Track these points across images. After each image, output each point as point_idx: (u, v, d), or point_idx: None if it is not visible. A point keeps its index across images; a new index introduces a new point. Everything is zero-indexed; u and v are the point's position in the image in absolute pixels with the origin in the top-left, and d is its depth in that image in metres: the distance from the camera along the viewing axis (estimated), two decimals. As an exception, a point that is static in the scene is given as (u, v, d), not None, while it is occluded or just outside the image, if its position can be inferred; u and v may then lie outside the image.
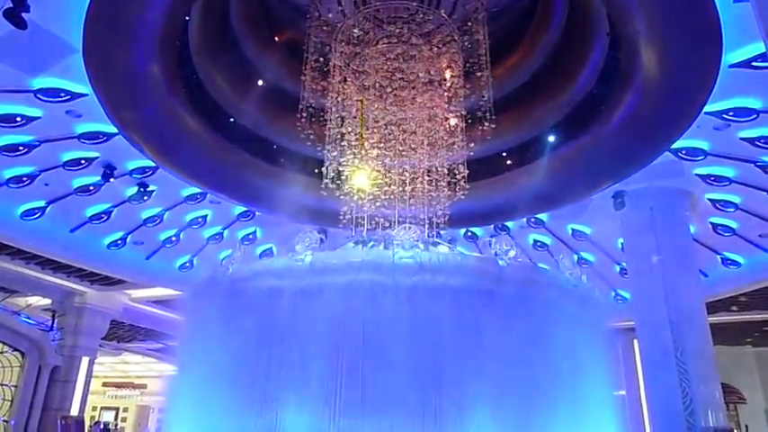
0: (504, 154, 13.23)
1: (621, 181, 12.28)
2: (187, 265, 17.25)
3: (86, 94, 10.05)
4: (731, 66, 8.83)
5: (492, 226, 15.65)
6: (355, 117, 10.90)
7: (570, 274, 8.45)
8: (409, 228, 8.04)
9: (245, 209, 15.24)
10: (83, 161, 12.21)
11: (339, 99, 10.67)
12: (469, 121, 10.96)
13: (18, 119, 10.61)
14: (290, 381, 6.96)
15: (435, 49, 10.71)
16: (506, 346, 7.08)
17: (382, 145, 10.87)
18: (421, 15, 10.36)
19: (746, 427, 22.72)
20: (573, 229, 15.54)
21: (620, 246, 14.91)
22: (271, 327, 7.47)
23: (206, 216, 15.41)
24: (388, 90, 10.76)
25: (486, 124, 10.23)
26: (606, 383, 8.34)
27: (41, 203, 13.50)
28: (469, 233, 16.17)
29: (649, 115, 10.14)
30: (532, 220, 15.20)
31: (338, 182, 10.60)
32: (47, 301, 20.59)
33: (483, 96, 10.41)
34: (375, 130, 10.89)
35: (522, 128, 12.61)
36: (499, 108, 10.74)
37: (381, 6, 10.28)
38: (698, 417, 10.85)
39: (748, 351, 24.40)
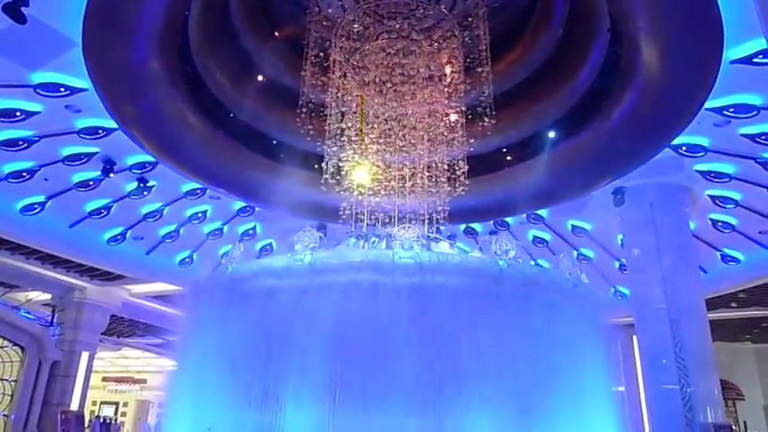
0: (505, 150, 13.20)
1: (621, 177, 12.28)
2: (187, 260, 17.26)
3: (86, 89, 10.03)
4: (732, 62, 8.80)
5: (492, 222, 15.67)
6: (355, 112, 10.88)
7: (570, 274, 8.45)
8: (409, 228, 8.05)
9: (244, 204, 15.23)
10: (83, 156, 12.21)
11: (339, 94, 10.64)
12: (470, 116, 10.95)
13: (18, 114, 10.60)
14: (290, 381, 6.97)
15: (435, 44, 10.69)
16: (506, 346, 7.10)
17: (382, 140, 10.86)
18: (421, 10, 10.32)
19: (745, 423, 22.74)
20: (573, 225, 15.54)
21: (619, 242, 14.92)
22: (270, 327, 7.47)
23: (206, 211, 15.41)
24: (388, 85, 10.74)
25: (487, 120, 10.22)
26: (605, 383, 8.35)
27: (41, 198, 13.50)
28: (469, 229, 16.17)
29: (650, 111, 10.12)
30: (532, 216, 15.19)
31: (338, 177, 10.59)
32: (47, 296, 20.62)
33: (483, 92, 10.39)
34: (375, 126, 10.88)
35: (523, 124, 12.58)
36: (499, 104, 10.73)
37: (381, 1, 10.25)
38: (696, 413, 10.87)
39: (747, 347, 24.44)
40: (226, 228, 16.25)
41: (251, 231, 16.58)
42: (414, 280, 7.22)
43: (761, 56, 8.58)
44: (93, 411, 32.55)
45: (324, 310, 7.19)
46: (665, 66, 9.16)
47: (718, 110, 10.02)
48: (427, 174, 10.87)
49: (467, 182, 10.64)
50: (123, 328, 24.94)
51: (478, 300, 7.39)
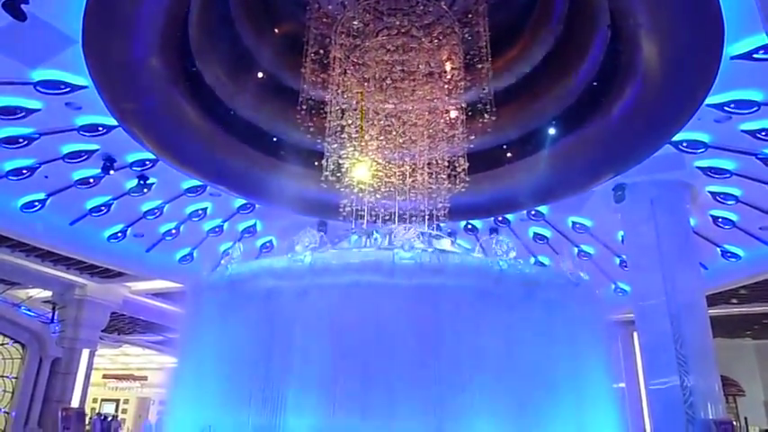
0: (505, 146, 13.19)
1: (622, 173, 12.26)
2: (187, 257, 17.26)
3: (86, 87, 10.02)
4: (732, 57, 8.79)
5: (492, 219, 15.67)
6: (355, 109, 10.87)
7: (570, 273, 8.45)
8: (409, 228, 8.04)
9: (245, 201, 15.23)
10: (83, 153, 12.20)
11: (339, 91, 10.63)
12: (470, 113, 10.94)
13: (18, 111, 10.58)
14: (290, 380, 6.97)
15: (435, 41, 10.66)
16: (506, 345, 7.11)
17: (382, 137, 10.85)
18: (421, 7, 10.31)
19: (746, 419, 22.80)
20: (573, 222, 15.54)
21: (620, 238, 14.92)
22: (270, 327, 7.47)
23: (206, 209, 15.41)
24: (388, 82, 10.73)
25: (487, 116, 10.21)
26: (605, 384, 8.36)
27: (41, 196, 13.50)
28: (469, 226, 16.17)
29: (650, 108, 10.11)
30: (533, 212, 15.19)
31: (338, 174, 10.58)
32: (47, 294, 20.66)
33: (483, 89, 10.38)
34: (375, 123, 10.87)
35: (523, 120, 12.57)
36: (499, 100, 10.72)
37: (381, -2, 10.24)
38: (697, 409, 10.88)
39: (748, 343, 24.50)
40: (226, 225, 16.24)
41: (251, 228, 16.58)
42: (414, 280, 7.21)
43: (761, 51, 8.57)
44: (93, 409, 32.66)
45: (324, 311, 7.19)
46: (666, 62, 9.14)
47: (719, 106, 10.00)
48: (427, 170, 10.85)
49: (467, 179, 10.63)
50: (124, 325, 24.98)
51: (479, 300, 7.37)
